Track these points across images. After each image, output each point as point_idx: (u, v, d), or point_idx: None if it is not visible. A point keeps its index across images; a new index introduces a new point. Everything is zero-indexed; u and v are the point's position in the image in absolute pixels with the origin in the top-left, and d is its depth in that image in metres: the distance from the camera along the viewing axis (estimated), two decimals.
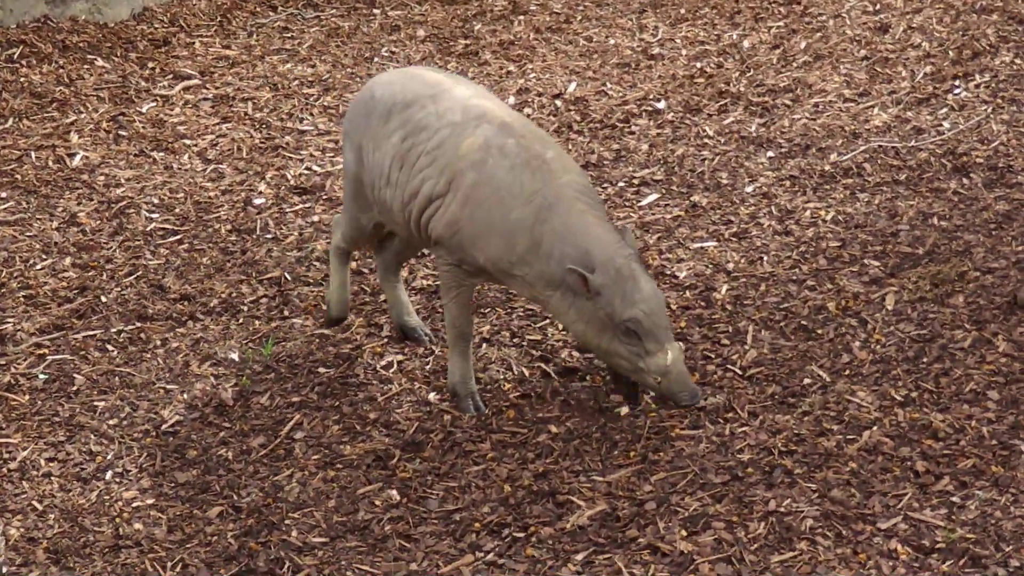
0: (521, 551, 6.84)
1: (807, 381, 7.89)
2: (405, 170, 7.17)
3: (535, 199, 6.66)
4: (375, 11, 14.17)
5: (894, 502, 6.93)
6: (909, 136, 10.65)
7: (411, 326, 8.41)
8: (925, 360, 7.94)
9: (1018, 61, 11.73)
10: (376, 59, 12.98)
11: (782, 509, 6.92)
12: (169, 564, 6.91)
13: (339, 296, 8.28)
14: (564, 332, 7.84)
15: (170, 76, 12.51)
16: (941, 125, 10.76)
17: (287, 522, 7.18)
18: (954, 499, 6.92)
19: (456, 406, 7.57)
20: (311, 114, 11.82)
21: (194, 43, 13.23)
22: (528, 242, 6.67)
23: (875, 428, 7.43)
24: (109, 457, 7.74)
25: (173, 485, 7.50)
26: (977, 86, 11.37)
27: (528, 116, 11.51)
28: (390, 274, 8.30)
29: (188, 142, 11.30)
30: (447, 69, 12.49)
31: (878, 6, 13.28)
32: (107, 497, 7.42)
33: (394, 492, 7.37)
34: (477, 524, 7.06)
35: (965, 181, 9.85)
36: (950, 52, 12.04)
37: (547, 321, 8.61)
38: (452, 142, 7.04)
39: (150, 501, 7.41)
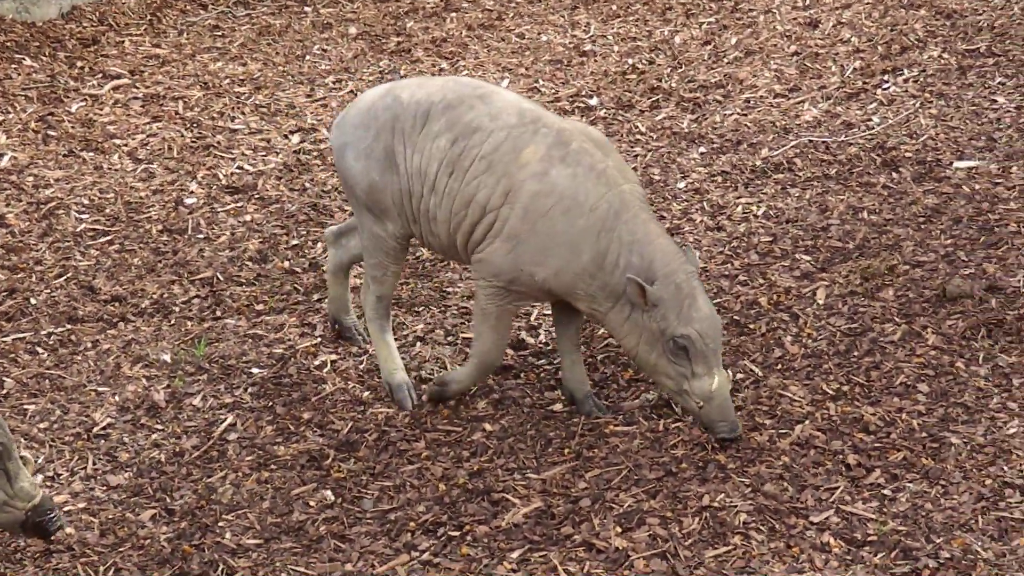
0: (456, 550, 6.84)
1: (740, 376, 7.91)
2: (456, 176, 6.54)
3: (600, 205, 6.25)
4: (306, 8, 14.12)
5: (826, 495, 6.96)
6: (839, 131, 10.70)
7: (347, 325, 8.27)
8: (856, 354, 7.99)
9: (945, 56, 11.79)
10: (308, 57, 12.93)
11: (716, 504, 6.94)
12: (102, 568, 6.87)
13: (391, 365, 7.45)
14: (618, 347, 7.36)
15: (99, 75, 12.42)
16: (870, 120, 10.82)
17: (221, 524, 7.15)
18: (885, 492, 6.96)
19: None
20: (242, 113, 11.76)
21: (123, 42, 13.15)
22: (593, 251, 6.25)
23: (807, 422, 7.47)
24: (40, 461, 7.69)
25: (105, 488, 7.45)
26: (906, 81, 11.43)
27: None
28: (340, 272, 8.06)
29: (118, 142, 11.23)
30: (379, 67, 12.48)
31: (807, 1, 13.33)
32: None
33: (328, 492, 7.36)
34: (412, 523, 7.05)
35: (894, 175, 9.90)
36: (879, 47, 12.10)
37: None
38: (509, 147, 6.45)
39: (82, 505, 7.36)
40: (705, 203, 9.84)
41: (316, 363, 8.30)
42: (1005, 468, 7.04)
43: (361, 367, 8.22)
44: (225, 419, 7.88)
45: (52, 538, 6.80)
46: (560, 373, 6.85)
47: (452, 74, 12.28)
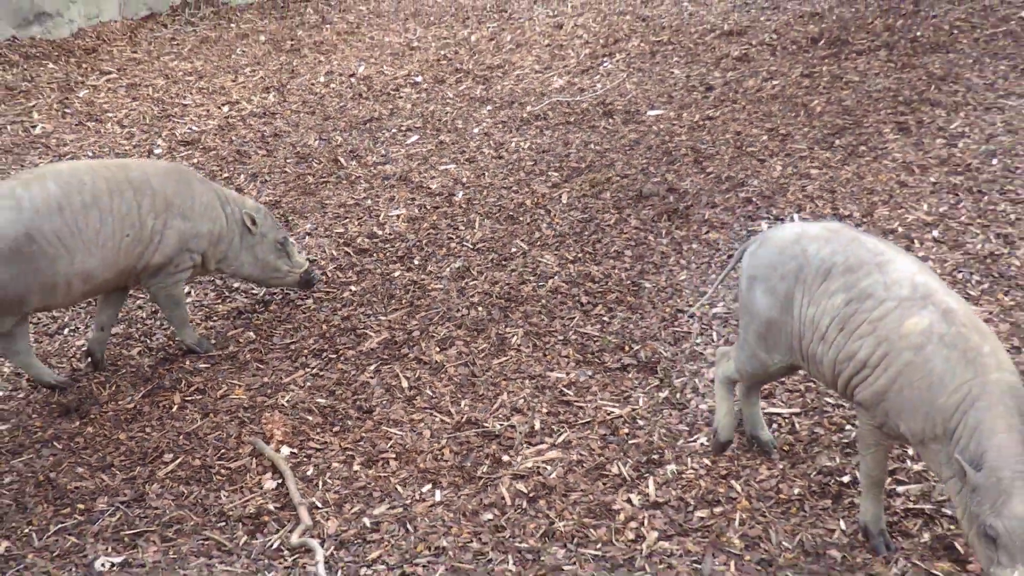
0: (334, 366, 6.81)
1: (513, 250, 7.92)
2: (845, 333, 5.00)
3: (962, 389, 4.62)
4: (232, 25, 13.90)
5: (568, 323, 6.99)
6: (576, 94, 10.69)
7: (763, 440, 5.89)
8: (586, 233, 8.01)
9: (643, 44, 11.80)
10: (232, 55, 12.74)
11: (500, 332, 6.96)
12: (106, 385, 6.80)
13: (728, 422, 5.81)
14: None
15: (97, 72, 12.15)
16: (596, 86, 10.81)
17: (182, 357, 7.10)
18: (605, 319, 7.00)
19: (867, 544, 5.27)
20: (190, 93, 11.55)
21: (112, 50, 12.87)
22: (944, 426, 4.68)
23: (556, 277, 7.49)
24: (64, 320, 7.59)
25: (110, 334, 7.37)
26: (617, 61, 11.43)
27: (333, 90, 11.40)
28: (731, 385, 5.86)
29: (110, 115, 11.00)
30: (280, 60, 12.30)
31: (555, 12, 13.29)
32: None
33: (251, 333, 7.31)
34: (305, 350, 7.01)
35: (610, 121, 9.91)
36: (600, 40, 12.09)
37: (349, 218, 8.57)
38: (896, 317, 4.85)
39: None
40: (492, 141, 9.81)
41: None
42: (679, 300, 7.11)
43: None
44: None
45: (314, 287, 7.58)
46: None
47: (327, 64, 12.13)
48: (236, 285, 7.91)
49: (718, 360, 5.73)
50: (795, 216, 7.79)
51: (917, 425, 4.67)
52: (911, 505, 5.39)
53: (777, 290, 5.19)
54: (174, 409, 6.53)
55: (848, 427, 5.88)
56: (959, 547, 5.14)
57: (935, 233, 7.43)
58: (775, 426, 5.94)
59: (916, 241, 7.35)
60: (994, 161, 8.21)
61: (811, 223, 5.29)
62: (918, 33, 10.84)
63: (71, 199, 6.22)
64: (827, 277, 5.02)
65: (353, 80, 11.69)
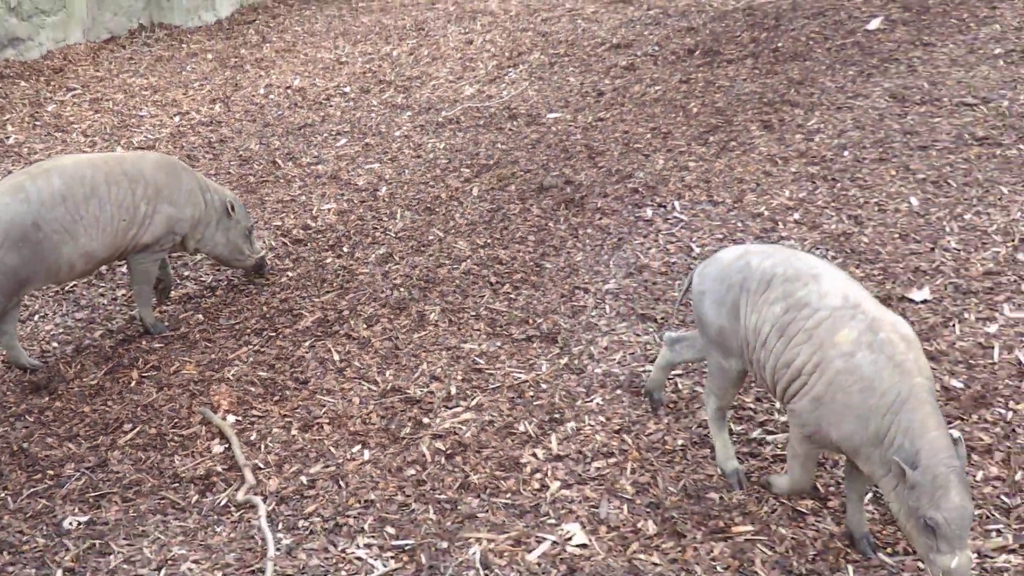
0: (274, 343, 6.72)
1: (431, 238, 7.84)
2: (783, 340, 4.77)
3: (890, 392, 4.43)
4: (183, 45, 13.62)
5: (480, 300, 6.94)
6: (485, 100, 10.61)
7: (657, 399, 5.86)
8: (495, 221, 7.96)
9: (543, 56, 11.73)
10: (183, 72, 12.48)
11: (420, 309, 6.90)
12: (72, 364, 6.66)
13: (726, 453, 5.35)
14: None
15: (64, 89, 11.87)
16: (502, 93, 10.74)
17: (138, 337, 6.97)
18: (511, 296, 6.96)
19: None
20: (146, 105, 11.32)
21: (78, 69, 12.55)
22: (876, 428, 4.46)
23: (468, 260, 7.43)
24: (35, 307, 7.40)
25: (74, 319, 7.21)
26: (520, 71, 11.36)
27: (272, 101, 11.24)
28: (669, 367, 5.75)
29: (75, 126, 10.74)
30: (225, 75, 12.10)
31: (467, 30, 13.18)
32: None
33: (200, 316, 7.18)
34: (248, 330, 6.91)
35: (515, 123, 9.85)
36: (506, 53, 12.00)
37: (286, 213, 8.46)
38: (828, 326, 4.63)
39: (60, 331, 7.11)
40: (411, 143, 9.71)
41: None
42: (575, 278, 7.08)
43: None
44: None
45: (264, 272, 7.52)
46: (847, 515, 4.92)
47: (267, 78, 11.96)
48: (186, 273, 7.77)
49: (704, 399, 5.34)
50: (675, 204, 7.80)
51: (849, 429, 4.45)
52: (779, 452, 5.40)
53: (725, 300, 4.98)
54: (132, 384, 6.43)
55: None
56: (819, 487, 5.16)
57: (796, 216, 7.47)
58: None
59: (780, 223, 7.37)
60: (845, 153, 8.27)
61: (753, 245, 5.12)
62: (779, 44, 10.88)
63: (73, 191, 6.34)
64: (768, 287, 4.81)
65: (289, 92, 11.52)
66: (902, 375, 4.36)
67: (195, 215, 6.96)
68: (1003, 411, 5.43)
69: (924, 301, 6.37)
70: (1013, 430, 5.32)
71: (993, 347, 5.88)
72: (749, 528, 4.94)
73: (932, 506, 4.20)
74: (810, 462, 4.78)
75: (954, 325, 6.10)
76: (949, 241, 6.95)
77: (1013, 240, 6.86)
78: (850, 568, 4.74)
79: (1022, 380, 5.65)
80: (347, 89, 11.43)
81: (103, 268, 7.67)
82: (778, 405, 5.69)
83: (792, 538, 4.88)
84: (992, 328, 6.06)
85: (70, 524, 5.25)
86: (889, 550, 4.86)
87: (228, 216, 7.14)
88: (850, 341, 4.46)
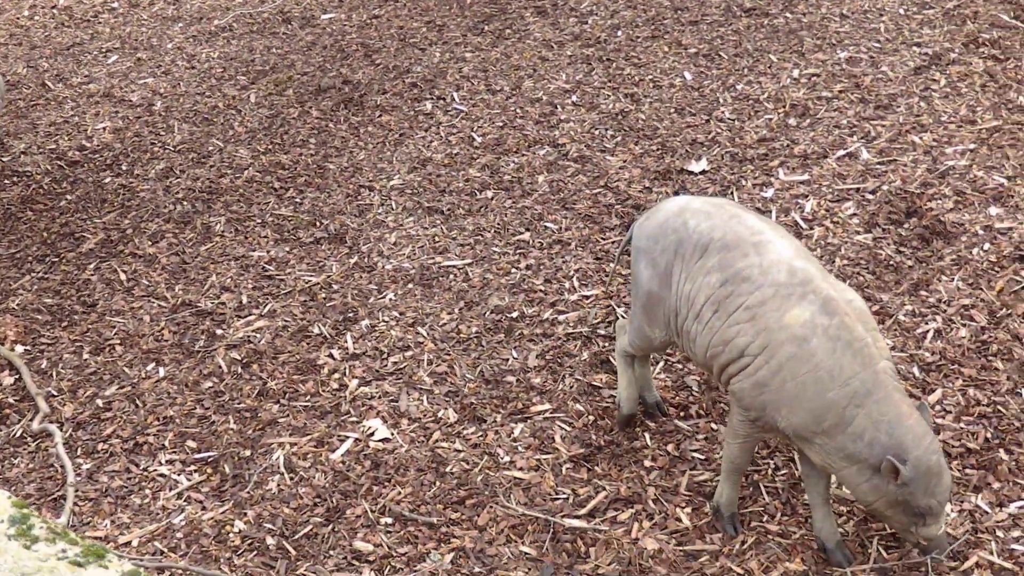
0: (57, 268, 6.52)
1: (211, 148, 7.67)
2: (720, 315, 4.25)
3: (852, 382, 3.99)
4: None
5: (265, 207, 6.85)
6: (258, 5, 10.33)
7: (650, 401, 5.16)
8: (274, 127, 7.82)
9: None
10: None
11: (205, 221, 6.76)
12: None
13: (628, 394, 4.95)
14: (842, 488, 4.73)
15: None
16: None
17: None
18: (297, 200, 6.90)
19: (718, 523, 4.63)
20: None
21: None
22: (836, 419, 4.02)
23: (250, 168, 7.31)
24: None
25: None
26: None
27: (37, 22, 10.73)
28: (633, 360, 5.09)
29: None
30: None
31: None
32: None
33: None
34: (30, 257, 6.68)
35: (289, 27, 9.64)
36: None
37: (59, 135, 8.14)
38: (775, 306, 4.12)
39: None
40: (184, 55, 9.39)
41: None
42: (360, 177, 7.05)
43: None
44: None
45: None
46: (812, 523, 4.49)
47: None
48: None
49: (616, 333, 5.00)
50: (454, 95, 7.82)
51: (800, 419, 4.08)
52: (571, 330, 5.55)
53: (658, 263, 4.51)
54: None
55: (513, 270, 5.99)
56: (612, 360, 5.34)
57: (574, 98, 7.58)
58: (451, 276, 6.00)
59: (559, 106, 7.48)
60: (619, 33, 8.39)
61: (697, 197, 4.61)
62: None
63: None
64: (704, 253, 4.34)
65: (55, 11, 11.01)
66: (864, 363, 4.01)
67: None
68: None
69: (703, 172, 6.59)
70: None
71: (771, 211, 6.14)
72: (547, 407, 5.10)
73: (927, 496, 3.98)
74: (750, 443, 4.42)
75: (732, 193, 6.33)
76: (723, 112, 7.18)
77: (784, 106, 7.12)
78: (647, 436, 4.94)
79: (799, 240, 5.93)
80: (115, 4, 10.98)
81: None
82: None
83: (589, 413, 5.06)
84: (768, 192, 6.32)
85: None
86: (683, 414, 5.07)
87: None
88: (801, 323, 4.06)
